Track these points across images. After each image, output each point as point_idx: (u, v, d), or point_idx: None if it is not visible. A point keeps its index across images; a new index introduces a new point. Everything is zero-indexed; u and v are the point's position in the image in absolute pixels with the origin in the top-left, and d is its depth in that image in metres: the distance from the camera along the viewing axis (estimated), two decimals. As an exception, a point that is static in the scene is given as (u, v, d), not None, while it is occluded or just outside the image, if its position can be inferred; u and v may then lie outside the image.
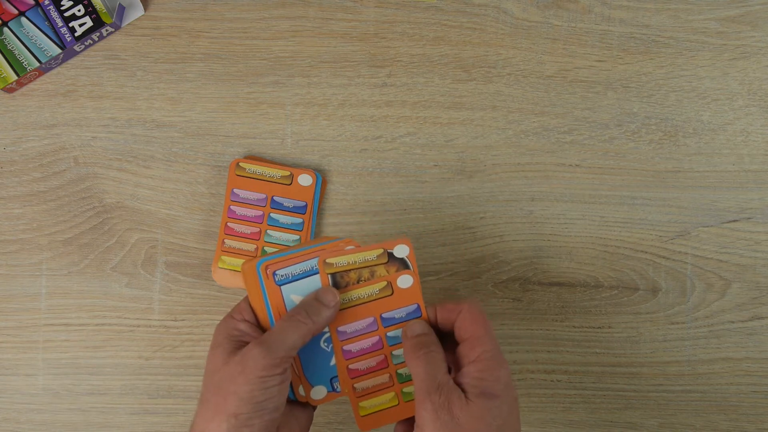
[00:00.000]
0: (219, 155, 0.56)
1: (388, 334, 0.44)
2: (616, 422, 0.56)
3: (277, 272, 0.42)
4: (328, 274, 0.43)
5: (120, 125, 0.56)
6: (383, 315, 0.43)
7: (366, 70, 0.56)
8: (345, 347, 0.43)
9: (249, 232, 0.55)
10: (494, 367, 0.40)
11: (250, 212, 0.55)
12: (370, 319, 0.43)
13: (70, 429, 0.55)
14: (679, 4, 0.57)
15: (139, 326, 0.55)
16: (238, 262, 0.54)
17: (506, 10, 0.57)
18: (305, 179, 0.55)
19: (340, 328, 0.43)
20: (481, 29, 0.57)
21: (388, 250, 0.43)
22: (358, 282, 0.43)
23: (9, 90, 0.55)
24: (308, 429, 0.44)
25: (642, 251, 0.57)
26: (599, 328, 0.56)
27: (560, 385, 0.56)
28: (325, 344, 0.43)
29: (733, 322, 0.56)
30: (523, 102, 0.57)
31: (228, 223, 0.55)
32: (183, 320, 0.55)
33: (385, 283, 0.43)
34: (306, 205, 0.55)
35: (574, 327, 0.56)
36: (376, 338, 0.44)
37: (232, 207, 0.55)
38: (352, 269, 0.43)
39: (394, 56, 0.56)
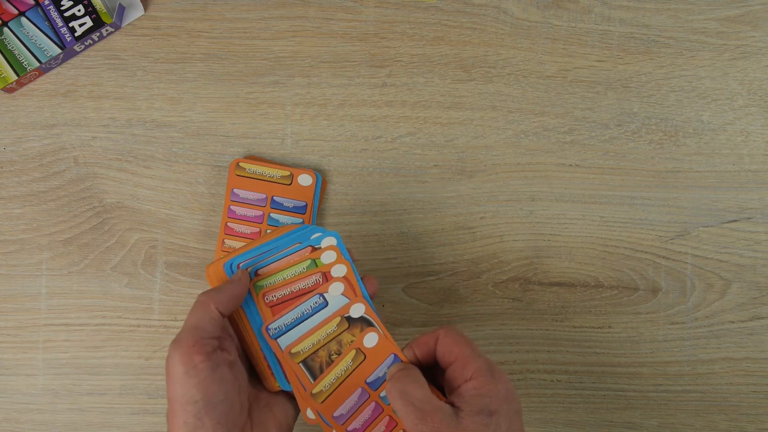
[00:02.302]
0: (219, 155, 0.56)
1: (381, 395, 0.43)
2: (616, 422, 0.56)
3: (270, 327, 0.42)
4: (298, 363, 0.42)
5: (120, 125, 0.56)
6: (368, 380, 0.43)
7: (366, 70, 0.56)
8: (349, 428, 0.42)
9: (249, 232, 0.55)
10: (491, 382, 0.38)
11: (250, 212, 0.55)
12: (359, 390, 0.43)
13: (70, 429, 0.55)
14: (679, 4, 0.57)
15: (139, 326, 0.55)
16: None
17: (506, 10, 0.57)
18: (305, 179, 0.55)
19: (336, 413, 0.42)
20: (481, 29, 0.57)
21: (345, 315, 0.43)
22: (329, 357, 0.43)
23: (9, 90, 0.55)
24: (291, 424, 0.43)
25: (642, 251, 0.57)
26: (599, 328, 0.56)
27: (560, 385, 0.56)
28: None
29: (733, 322, 0.56)
30: (523, 102, 0.57)
31: (228, 223, 0.55)
32: (183, 320, 0.55)
33: (354, 351, 0.43)
34: (306, 205, 0.55)
35: (574, 327, 0.56)
36: (372, 405, 0.43)
37: (232, 207, 0.55)
38: (319, 348, 0.43)
39: (394, 56, 0.56)
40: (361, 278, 0.44)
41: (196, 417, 0.37)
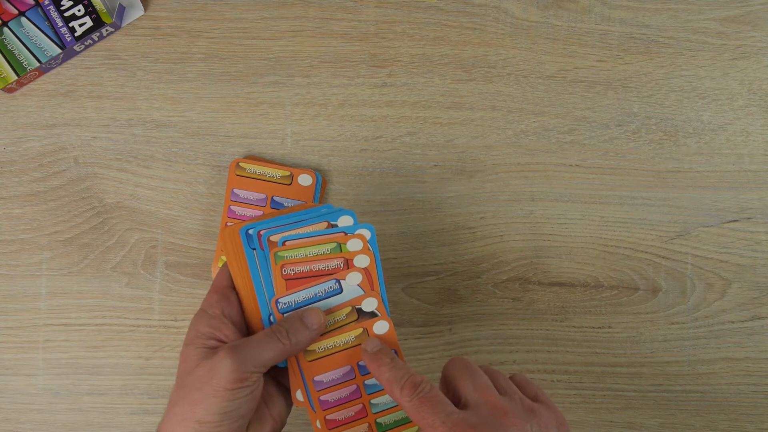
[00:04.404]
0: (219, 155, 0.56)
1: (366, 382, 0.43)
2: (616, 422, 0.56)
3: (280, 300, 0.42)
4: None
5: (120, 125, 0.56)
6: (360, 363, 0.43)
7: (366, 70, 0.56)
8: (322, 397, 0.42)
9: (249, 232, 0.55)
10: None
11: (250, 212, 0.55)
12: (347, 368, 0.43)
13: (70, 429, 0.55)
14: (679, 4, 0.57)
15: (139, 326, 0.55)
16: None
17: (506, 10, 0.57)
18: (305, 179, 0.55)
19: (317, 378, 0.42)
20: (481, 29, 0.57)
21: (356, 306, 0.43)
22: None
23: (9, 90, 0.55)
24: (284, 419, 0.43)
25: (642, 251, 0.57)
26: (599, 328, 0.56)
27: (560, 385, 0.56)
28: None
29: (733, 322, 0.56)
30: (523, 102, 0.57)
31: (228, 223, 0.55)
32: (183, 320, 0.55)
33: (360, 330, 0.43)
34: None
35: (574, 327, 0.56)
36: (353, 387, 0.43)
37: (232, 207, 0.55)
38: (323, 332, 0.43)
39: (394, 56, 0.56)
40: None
41: (216, 424, 0.37)
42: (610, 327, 0.56)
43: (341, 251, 0.43)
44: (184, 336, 0.56)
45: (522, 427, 0.36)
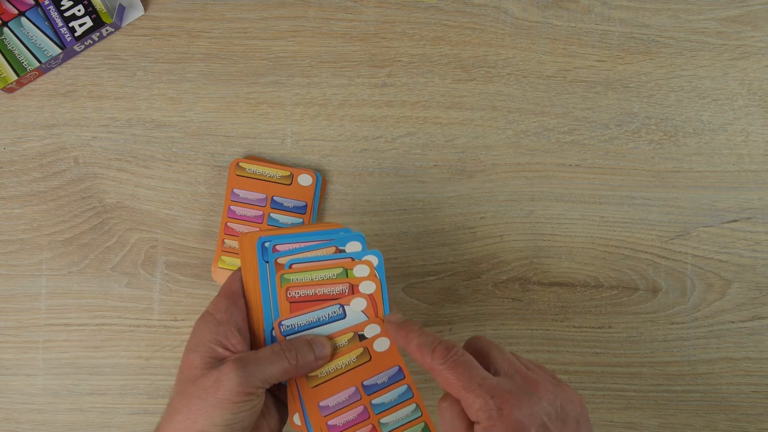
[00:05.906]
0: (219, 155, 0.56)
1: (373, 402, 0.42)
2: (616, 422, 0.56)
3: (283, 323, 0.42)
4: None
5: (120, 125, 0.56)
6: (364, 383, 0.42)
7: (366, 70, 0.56)
8: (330, 422, 0.42)
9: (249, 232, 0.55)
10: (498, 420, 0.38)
11: (250, 212, 0.55)
12: (352, 389, 0.42)
13: (70, 429, 0.55)
14: (679, 4, 0.57)
15: (139, 326, 0.55)
16: (238, 262, 0.54)
17: (506, 10, 0.57)
18: (305, 179, 0.55)
19: (322, 403, 0.42)
20: (481, 29, 0.57)
21: (359, 332, 0.43)
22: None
23: (9, 90, 0.55)
24: (279, 430, 0.43)
25: (642, 251, 0.57)
26: (599, 328, 0.56)
27: (560, 385, 0.56)
28: None
29: (733, 322, 0.56)
30: (523, 102, 0.57)
31: (228, 223, 0.55)
32: (183, 320, 0.55)
33: (361, 349, 0.42)
34: (306, 205, 0.55)
35: (574, 327, 0.56)
36: (360, 408, 0.42)
37: (232, 207, 0.55)
38: None
39: (394, 56, 0.56)
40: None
41: None
42: (610, 327, 0.56)
43: (347, 276, 0.43)
44: (184, 336, 0.56)
45: (552, 398, 0.37)
